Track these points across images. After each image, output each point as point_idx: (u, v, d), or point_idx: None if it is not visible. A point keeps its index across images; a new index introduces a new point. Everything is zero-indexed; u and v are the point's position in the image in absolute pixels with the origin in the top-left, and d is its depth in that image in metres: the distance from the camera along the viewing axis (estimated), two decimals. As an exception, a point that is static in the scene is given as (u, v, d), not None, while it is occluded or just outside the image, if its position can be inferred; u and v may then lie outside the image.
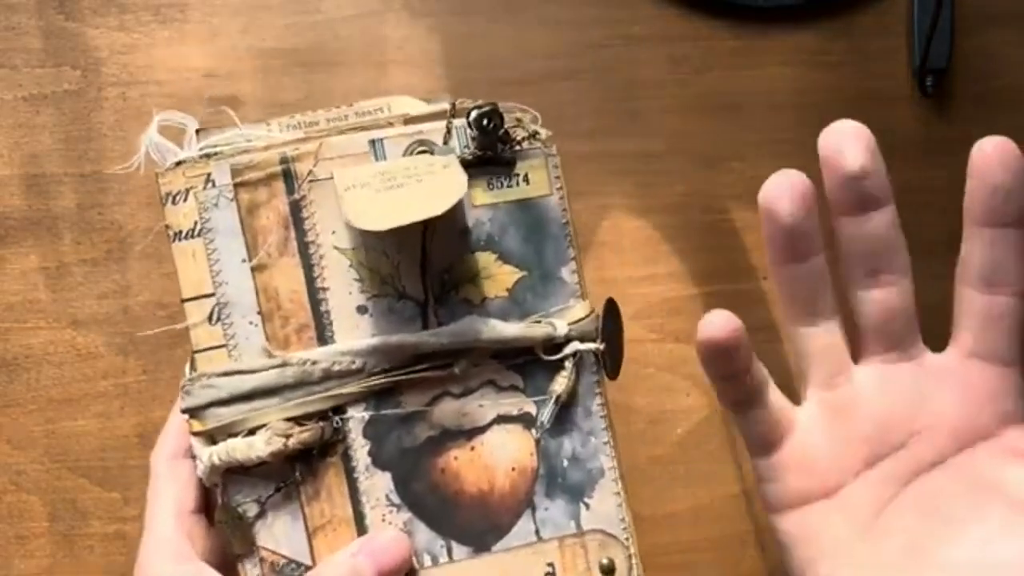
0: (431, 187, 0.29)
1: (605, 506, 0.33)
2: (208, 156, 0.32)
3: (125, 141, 0.48)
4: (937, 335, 0.50)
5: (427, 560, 0.32)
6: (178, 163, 0.32)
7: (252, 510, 0.31)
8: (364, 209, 0.28)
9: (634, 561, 0.34)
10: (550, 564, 0.32)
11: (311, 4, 0.48)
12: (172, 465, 0.34)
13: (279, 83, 0.49)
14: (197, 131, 0.33)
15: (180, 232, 0.32)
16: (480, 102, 0.33)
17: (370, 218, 0.28)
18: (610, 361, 0.34)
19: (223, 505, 0.32)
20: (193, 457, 0.33)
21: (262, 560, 0.31)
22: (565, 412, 0.33)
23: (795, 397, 0.52)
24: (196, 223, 0.32)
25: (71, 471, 0.49)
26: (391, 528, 0.31)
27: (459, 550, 0.32)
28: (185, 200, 0.32)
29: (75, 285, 0.49)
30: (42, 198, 0.48)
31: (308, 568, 0.31)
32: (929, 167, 0.49)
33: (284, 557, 0.31)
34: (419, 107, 0.34)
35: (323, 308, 0.31)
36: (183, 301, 0.32)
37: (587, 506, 0.33)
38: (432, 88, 0.48)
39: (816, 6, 0.49)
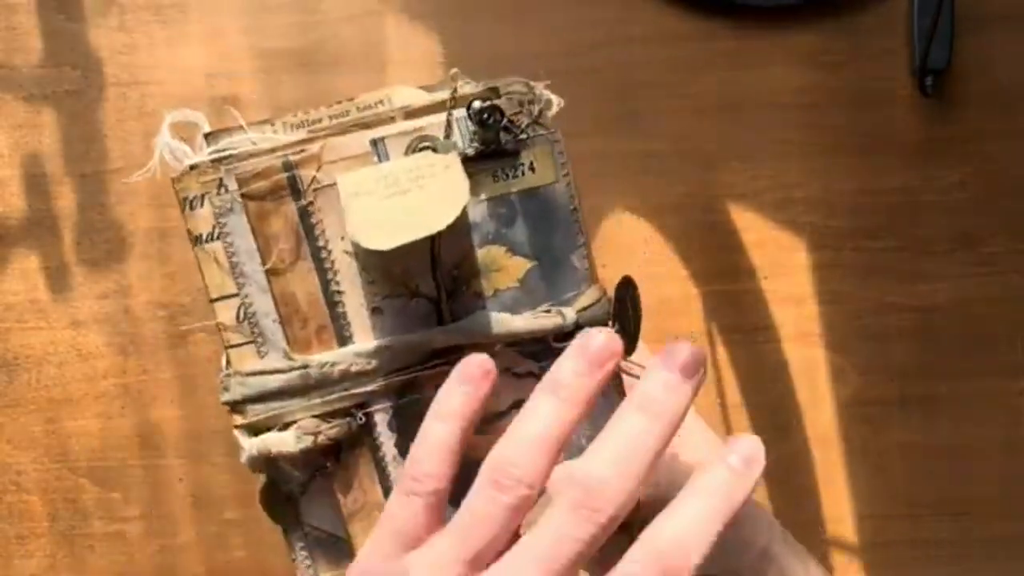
0: (434, 194, 0.30)
1: None
2: (218, 161, 0.32)
3: (126, 141, 0.48)
4: (939, 334, 0.50)
5: None
6: (192, 167, 0.32)
7: (295, 491, 0.33)
8: (368, 224, 0.29)
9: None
10: None
11: (311, 4, 0.48)
12: None
13: (279, 83, 0.49)
14: (206, 136, 0.32)
15: (200, 236, 0.32)
16: (480, 88, 0.32)
17: (375, 236, 0.28)
18: (625, 339, 0.33)
19: (266, 486, 0.33)
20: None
21: (307, 534, 0.33)
22: None
23: (793, 397, 0.52)
24: (214, 227, 0.32)
25: (71, 471, 0.49)
26: None
27: None
28: (202, 205, 0.32)
29: (75, 285, 0.49)
30: (43, 198, 0.48)
31: (346, 542, 0.33)
32: (929, 167, 0.49)
33: (326, 532, 0.33)
34: (420, 97, 0.33)
35: (339, 310, 0.32)
36: (211, 301, 0.33)
37: None
38: (432, 88, 0.48)
39: (816, 6, 0.49)
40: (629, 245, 0.49)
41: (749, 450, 0.28)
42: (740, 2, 0.48)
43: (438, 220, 0.28)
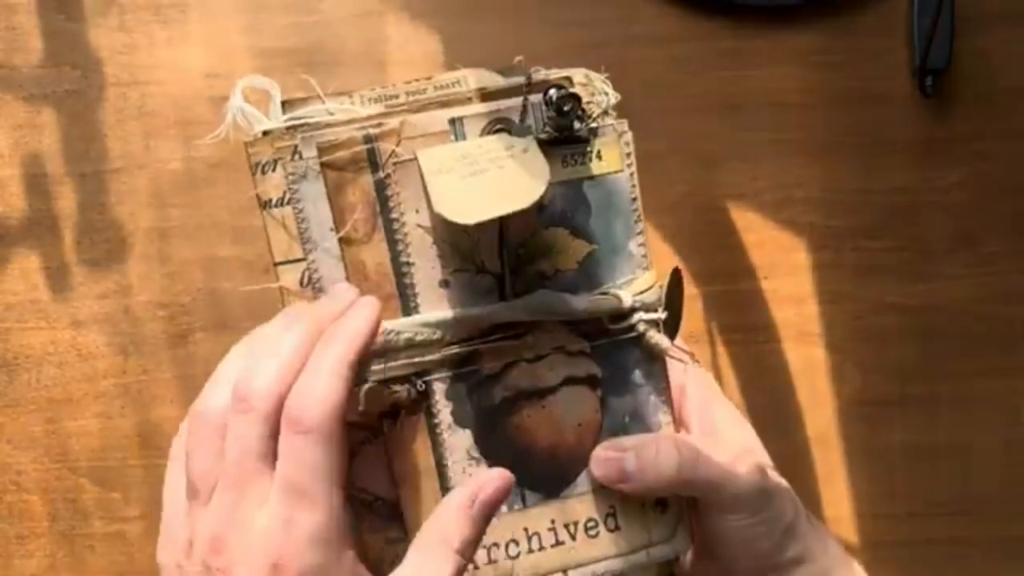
0: (515, 175, 0.30)
1: None
2: (294, 128, 0.32)
3: (126, 141, 0.48)
4: (939, 334, 0.50)
5: (503, 507, 0.34)
6: (264, 133, 0.33)
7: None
8: (453, 199, 0.29)
9: (684, 504, 0.37)
10: (611, 506, 0.35)
11: (311, 4, 0.48)
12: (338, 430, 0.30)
13: (279, 83, 0.48)
14: (283, 103, 0.33)
15: (270, 200, 0.33)
16: (555, 77, 0.33)
17: (460, 210, 0.29)
18: (670, 327, 0.35)
19: None
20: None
21: (352, 497, 0.33)
22: (628, 373, 0.35)
23: (794, 397, 0.52)
24: (285, 193, 0.32)
25: (71, 471, 0.49)
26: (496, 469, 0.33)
27: (531, 497, 0.34)
28: (274, 170, 0.32)
29: (75, 285, 0.49)
30: (43, 198, 0.48)
31: (394, 505, 0.34)
32: (929, 167, 0.49)
33: (373, 495, 0.34)
34: (495, 80, 0.34)
35: (407, 280, 0.33)
36: (275, 264, 0.33)
37: None
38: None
39: (816, 6, 0.49)
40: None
41: (356, 305, 0.31)
42: (740, 2, 0.48)
43: (522, 198, 0.29)
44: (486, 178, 0.30)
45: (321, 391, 0.29)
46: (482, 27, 0.49)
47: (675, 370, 0.37)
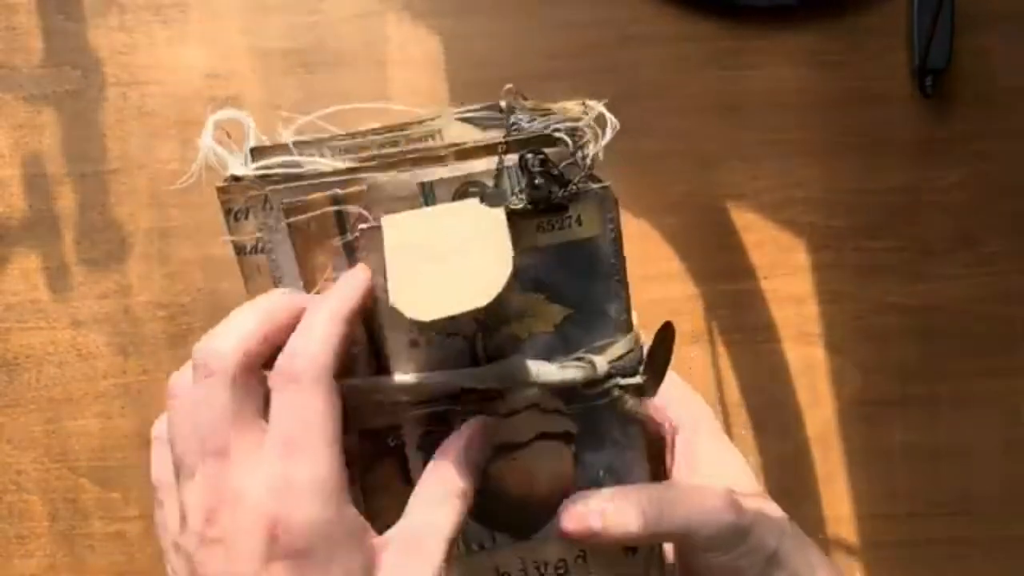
0: (477, 263, 0.29)
1: None
2: (264, 177, 0.31)
3: (126, 141, 0.48)
4: (939, 334, 0.50)
5: (475, 546, 0.34)
6: (236, 178, 0.31)
7: None
8: (410, 291, 0.28)
9: (656, 546, 0.36)
10: (581, 551, 0.35)
11: (311, 4, 0.48)
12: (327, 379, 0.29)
13: (279, 83, 0.49)
14: (252, 150, 0.31)
15: (244, 247, 0.32)
16: (534, 124, 0.31)
17: (416, 306, 0.28)
18: (651, 384, 0.34)
19: None
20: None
21: None
22: (604, 431, 0.34)
23: (794, 397, 0.52)
24: (259, 240, 0.32)
25: (71, 471, 0.49)
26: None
27: (501, 538, 0.34)
28: (247, 218, 0.32)
29: (75, 285, 0.49)
30: (43, 198, 0.48)
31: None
32: (929, 167, 0.49)
33: None
34: (472, 134, 0.32)
35: (379, 339, 0.32)
36: None
37: None
38: (432, 88, 0.48)
39: (815, 6, 0.49)
40: (628, 245, 0.49)
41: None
42: (739, 2, 0.48)
43: (481, 294, 0.28)
44: (446, 267, 0.29)
45: (312, 341, 0.28)
46: (482, 27, 0.49)
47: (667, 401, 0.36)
